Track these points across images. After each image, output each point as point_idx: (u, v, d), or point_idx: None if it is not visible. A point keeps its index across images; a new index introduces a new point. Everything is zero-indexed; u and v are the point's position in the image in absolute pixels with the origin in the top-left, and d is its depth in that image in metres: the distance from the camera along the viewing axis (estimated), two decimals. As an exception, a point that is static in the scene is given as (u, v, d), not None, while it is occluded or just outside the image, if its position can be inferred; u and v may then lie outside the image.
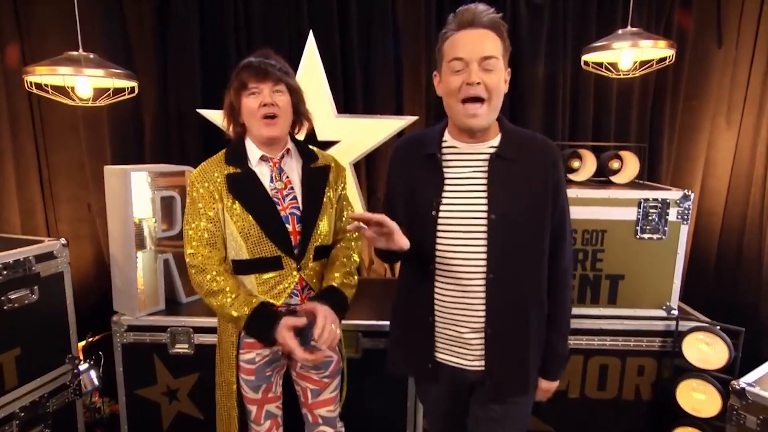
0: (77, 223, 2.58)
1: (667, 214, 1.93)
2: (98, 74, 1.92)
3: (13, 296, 1.77)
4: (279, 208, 1.41)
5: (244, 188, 1.40)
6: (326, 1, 2.46)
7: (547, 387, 1.36)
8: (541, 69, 2.51)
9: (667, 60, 2.15)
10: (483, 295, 1.22)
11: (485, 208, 1.20)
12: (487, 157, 1.22)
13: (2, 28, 2.34)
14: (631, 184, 2.16)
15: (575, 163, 2.26)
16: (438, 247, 1.24)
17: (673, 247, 1.95)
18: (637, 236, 1.95)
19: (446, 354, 1.32)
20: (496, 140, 1.24)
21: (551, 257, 1.27)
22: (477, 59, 1.14)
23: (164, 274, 2.05)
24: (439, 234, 1.23)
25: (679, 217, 1.94)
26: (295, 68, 2.30)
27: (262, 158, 1.44)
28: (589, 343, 1.98)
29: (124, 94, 2.09)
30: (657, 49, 2.06)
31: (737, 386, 1.51)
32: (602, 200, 1.94)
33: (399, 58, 2.56)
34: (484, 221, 1.20)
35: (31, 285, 1.84)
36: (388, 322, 1.90)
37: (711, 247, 2.63)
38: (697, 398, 1.88)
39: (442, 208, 1.22)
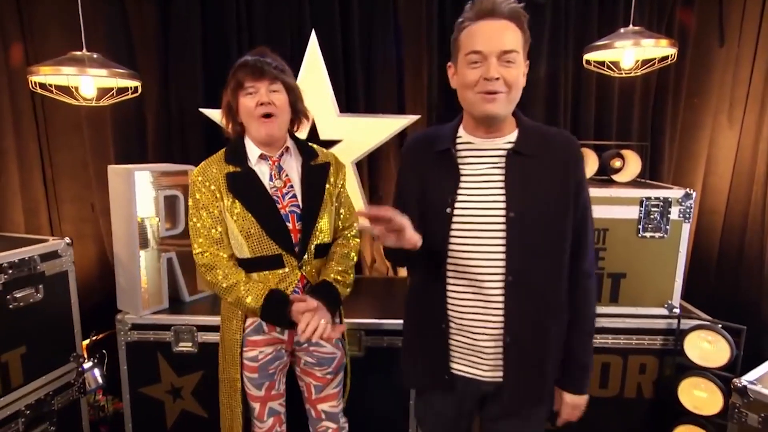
0: (80, 223, 2.59)
1: (669, 212, 1.94)
2: (102, 74, 1.92)
3: (18, 295, 1.78)
4: (279, 206, 1.41)
5: (244, 187, 1.41)
6: (328, 0, 2.47)
7: (574, 402, 1.25)
8: (543, 68, 2.51)
9: (669, 59, 2.15)
10: (501, 299, 1.15)
11: (503, 205, 1.13)
12: (504, 152, 1.16)
13: (5, 28, 2.35)
14: (633, 183, 2.16)
15: (577, 162, 2.26)
16: (452, 246, 1.16)
17: (675, 246, 1.96)
18: (639, 235, 1.96)
19: (459, 364, 1.23)
20: (513, 135, 1.18)
21: (573, 259, 1.19)
22: (496, 53, 1.07)
23: (168, 273, 2.06)
24: (453, 233, 1.16)
25: (681, 215, 1.94)
26: (297, 67, 2.32)
27: (261, 157, 1.44)
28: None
29: (128, 94, 2.10)
30: (659, 48, 2.06)
31: (739, 384, 1.52)
32: (604, 199, 1.95)
33: (400, 57, 2.56)
34: (502, 219, 1.12)
35: (36, 284, 1.85)
36: (390, 321, 1.94)
37: (713, 245, 2.63)
38: (699, 396, 1.89)
39: (457, 205, 1.15)
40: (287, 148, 1.48)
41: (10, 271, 1.75)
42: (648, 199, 1.94)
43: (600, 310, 2.02)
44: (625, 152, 2.22)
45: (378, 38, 2.53)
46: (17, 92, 2.40)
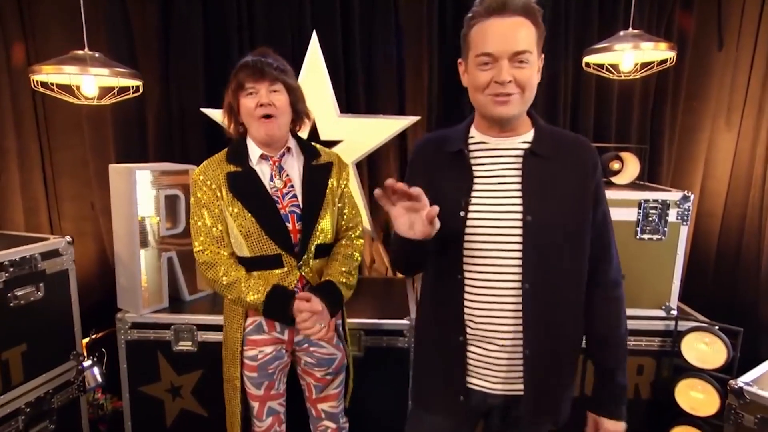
0: (80, 221, 2.60)
1: (667, 214, 1.95)
2: (103, 73, 1.93)
3: (19, 293, 1.79)
4: (279, 206, 1.42)
5: (244, 187, 1.42)
6: (329, 4, 2.47)
7: (614, 429, 1.15)
8: (542, 70, 2.52)
9: (668, 62, 2.17)
10: (517, 308, 1.08)
11: (519, 208, 1.06)
12: (520, 153, 1.10)
13: (7, 27, 2.35)
14: (632, 185, 2.18)
15: (576, 164, 2.27)
16: (466, 252, 1.10)
17: (673, 248, 1.97)
18: (638, 237, 1.97)
19: (472, 377, 1.16)
20: (528, 135, 1.12)
21: (597, 268, 1.14)
22: (508, 55, 1.01)
23: (168, 272, 2.07)
24: (467, 238, 1.09)
25: (679, 217, 1.96)
26: (298, 68, 2.32)
27: (262, 157, 1.45)
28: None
29: (129, 93, 2.11)
30: (658, 51, 2.07)
31: (735, 386, 1.53)
32: (603, 201, 1.96)
33: (401, 57, 2.57)
34: (519, 223, 1.06)
35: (37, 282, 1.86)
36: (389, 321, 1.94)
37: (710, 247, 2.64)
38: (696, 397, 1.90)
39: (471, 208, 1.09)
40: (288, 148, 1.49)
41: (11, 270, 1.76)
42: (646, 201, 1.95)
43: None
44: (624, 154, 2.23)
45: (378, 39, 2.54)
46: (18, 91, 2.41)
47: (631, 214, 1.96)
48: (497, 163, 1.12)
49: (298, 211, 1.44)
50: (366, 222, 2.32)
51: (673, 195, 1.96)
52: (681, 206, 1.95)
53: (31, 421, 1.87)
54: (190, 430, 2.04)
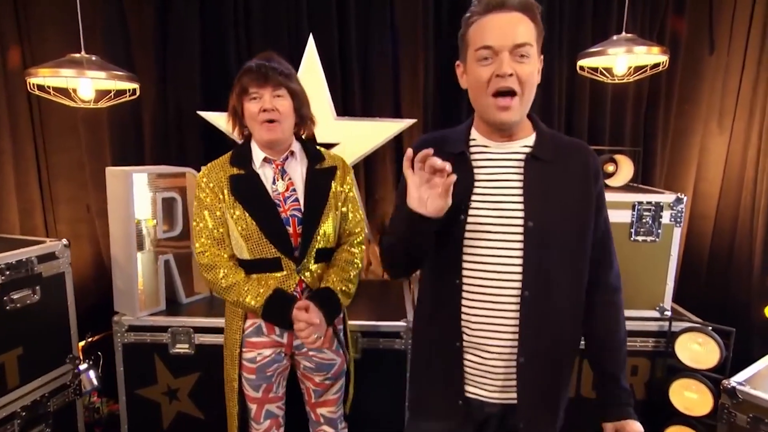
0: (76, 224, 2.59)
1: (661, 216, 1.97)
2: (100, 76, 1.93)
3: (15, 296, 1.78)
4: (280, 209, 1.42)
5: (246, 189, 1.42)
6: (325, 3, 2.49)
7: (638, 428, 1.13)
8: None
9: (661, 66, 2.19)
10: (515, 315, 1.06)
11: (521, 214, 1.05)
12: (521, 157, 1.08)
13: (2, 29, 2.35)
14: (626, 188, 2.20)
15: (571, 167, 2.29)
16: (466, 257, 1.08)
17: (667, 249, 1.99)
18: (632, 238, 1.99)
19: (470, 385, 1.14)
20: (530, 139, 1.11)
21: (598, 274, 1.13)
22: (509, 47, 0.99)
23: (165, 275, 2.07)
24: (467, 242, 1.07)
25: (672, 219, 1.98)
26: (295, 69, 2.33)
27: (265, 160, 1.46)
28: (583, 343, 2.01)
29: (126, 96, 2.11)
30: (651, 55, 2.10)
31: (728, 385, 1.55)
32: (597, 203, 1.98)
33: (397, 60, 2.58)
34: (520, 229, 1.04)
35: (33, 285, 1.85)
36: (386, 323, 1.95)
37: (703, 249, 2.67)
38: (690, 397, 1.92)
39: (471, 212, 1.07)
40: (292, 152, 1.49)
41: (8, 273, 1.76)
42: (640, 203, 1.97)
43: (593, 312, 2.05)
44: (618, 157, 2.26)
45: (375, 42, 2.55)
46: (14, 94, 2.40)
47: (625, 216, 1.98)
48: (498, 166, 1.09)
49: (300, 215, 1.44)
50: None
51: (667, 197, 1.98)
52: (674, 208, 1.97)
53: (27, 424, 1.86)
54: (186, 433, 2.04)
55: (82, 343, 2.28)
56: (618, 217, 1.98)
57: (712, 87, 2.58)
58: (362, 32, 2.55)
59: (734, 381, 1.55)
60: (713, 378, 1.86)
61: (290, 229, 1.43)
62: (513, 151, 1.10)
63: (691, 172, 2.67)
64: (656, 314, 2.04)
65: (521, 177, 1.07)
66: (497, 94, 1.01)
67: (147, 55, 2.49)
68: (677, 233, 1.98)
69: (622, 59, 2.14)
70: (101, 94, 2.09)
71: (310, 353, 1.51)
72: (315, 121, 1.55)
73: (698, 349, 1.92)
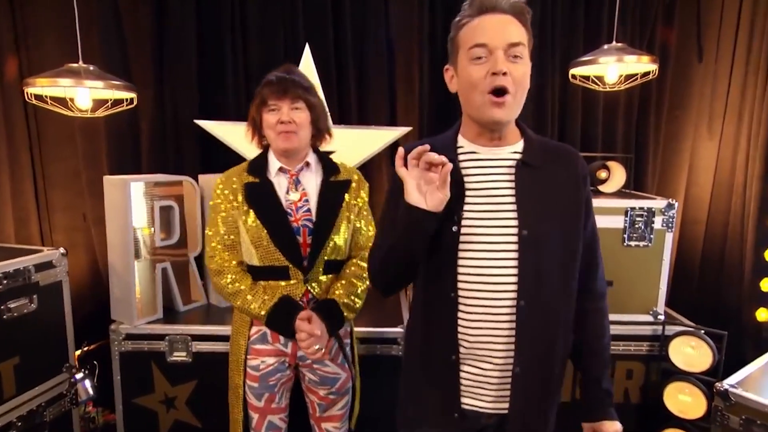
0: (72, 233, 2.58)
1: (653, 222, 2.00)
2: (98, 86, 1.95)
3: (12, 305, 1.78)
4: (291, 219, 1.44)
5: (259, 197, 1.45)
6: (321, 14, 2.52)
7: (615, 428, 1.15)
8: (530, 82, 2.58)
9: (651, 74, 2.24)
10: (511, 325, 1.04)
11: (515, 222, 1.03)
12: (511, 163, 1.07)
13: (0, 38, 2.36)
14: (618, 194, 2.23)
15: (564, 173, 2.32)
16: (461, 269, 1.05)
17: (659, 254, 2.02)
18: (625, 244, 2.02)
19: (466, 397, 1.12)
20: (518, 145, 1.09)
21: (587, 281, 1.13)
22: (503, 46, 0.98)
23: (162, 283, 2.07)
24: (461, 253, 1.04)
25: (664, 225, 2.01)
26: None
27: (281, 170, 1.48)
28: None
29: (123, 105, 2.12)
30: (641, 64, 2.14)
31: (721, 388, 1.57)
32: (590, 209, 2.01)
33: (392, 68, 2.61)
34: (514, 238, 1.03)
35: (31, 294, 1.85)
36: (382, 329, 1.96)
37: (695, 253, 2.70)
38: (684, 400, 1.94)
39: (464, 222, 1.04)
40: (308, 163, 1.51)
41: (5, 282, 1.76)
42: (632, 209, 2.00)
43: (588, 317, 2.07)
44: (611, 164, 2.29)
45: (370, 50, 2.58)
46: (10, 103, 2.40)
47: (618, 222, 2.01)
48: (489, 174, 1.07)
49: (311, 225, 1.46)
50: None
51: (658, 203, 2.01)
52: (666, 214, 2.00)
53: (23, 434, 1.85)
54: (184, 442, 2.04)
55: (78, 352, 2.27)
56: (611, 222, 2.01)
57: (702, 93, 2.63)
58: (358, 41, 2.58)
59: (727, 384, 1.57)
60: (706, 381, 1.88)
61: (300, 239, 1.45)
62: (502, 158, 1.08)
63: (682, 178, 2.71)
64: (650, 318, 2.06)
65: (513, 184, 1.05)
66: (492, 92, 0.99)
67: (144, 64, 2.50)
68: (669, 238, 2.01)
69: (613, 68, 2.18)
70: (99, 104, 2.10)
71: (315, 366, 1.52)
72: (332, 134, 1.57)
73: (691, 352, 1.94)
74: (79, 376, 2.11)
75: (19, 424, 1.83)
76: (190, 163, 2.52)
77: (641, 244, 2.01)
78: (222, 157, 2.40)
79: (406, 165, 1.00)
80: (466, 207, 1.05)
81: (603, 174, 2.28)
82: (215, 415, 1.98)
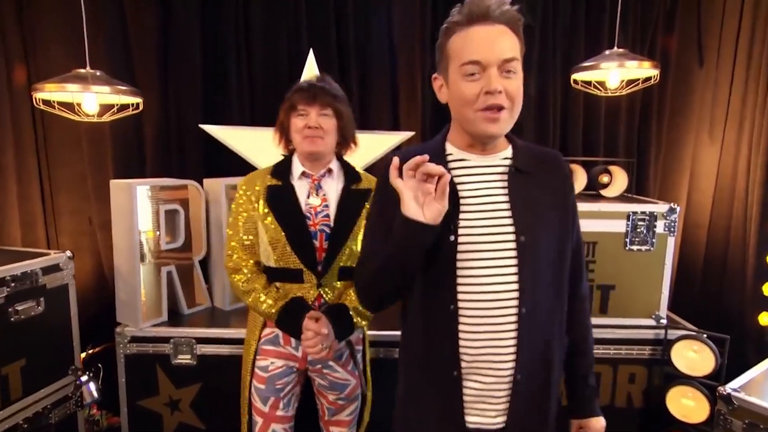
0: (77, 236, 2.60)
1: (655, 226, 2.01)
2: (105, 91, 1.97)
3: (19, 308, 1.80)
4: (309, 222, 1.46)
5: (279, 199, 1.48)
6: (324, 18, 2.55)
7: (601, 425, 1.18)
8: (532, 87, 2.61)
9: (652, 79, 2.25)
10: (514, 334, 1.02)
11: (512, 229, 1.01)
12: (503, 169, 1.05)
13: (8, 44, 2.38)
14: (620, 198, 2.24)
15: (566, 178, 2.34)
16: (460, 280, 1.02)
17: (661, 258, 2.03)
18: (627, 248, 2.03)
19: (470, 414, 1.07)
20: (507, 151, 1.08)
21: (575, 283, 1.13)
22: (497, 63, 0.95)
23: (167, 286, 2.08)
24: (460, 263, 1.01)
25: (666, 229, 2.02)
26: (295, 83, 2.38)
27: (303, 174, 1.50)
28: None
29: (129, 110, 2.14)
30: (642, 70, 2.16)
31: (724, 392, 1.57)
32: (593, 213, 2.02)
33: (395, 72, 2.63)
34: (512, 245, 1.01)
35: (38, 297, 1.87)
36: (385, 332, 1.96)
37: (698, 258, 2.71)
38: (687, 405, 1.94)
39: (461, 231, 1.01)
40: (330, 170, 1.52)
41: (13, 284, 1.78)
42: (634, 213, 2.01)
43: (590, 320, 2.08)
44: (613, 168, 2.30)
45: (373, 55, 2.61)
46: (18, 108, 2.43)
47: (620, 226, 2.02)
48: (481, 181, 1.05)
49: (328, 230, 1.47)
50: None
51: (660, 207, 2.02)
52: (668, 218, 2.01)
53: (29, 436, 1.86)
54: (188, 444, 2.05)
55: (83, 355, 2.29)
56: (613, 226, 2.02)
57: (703, 99, 2.65)
58: (360, 45, 2.61)
59: (729, 388, 1.57)
60: (709, 385, 1.88)
61: (317, 243, 1.46)
62: (494, 164, 1.06)
63: (684, 182, 2.72)
64: (652, 322, 2.06)
65: (506, 190, 1.04)
66: (486, 108, 0.98)
67: (149, 69, 2.53)
68: (671, 242, 2.02)
69: (615, 73, 2.20)
70: (105, 108, 2.13)
71: (324, 371, 1.54)
72: (357, 143, 1.59)
73: (694, 356, 1.95)
74: (84, 378, 2.12)
75: (26, 426, 1.84)
76: (195, 167, 2.55)
77: (643, 248, 2.02)
78: (226, 161, 2.42)
79: (401, 175, 0.95)
80: (461, 215, 1.03)
81: (605, 178, 2.29)
82: (220, 418, 1.99)
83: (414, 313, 1.10)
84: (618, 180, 2.28)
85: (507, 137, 1.11)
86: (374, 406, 1.92)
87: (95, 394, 2.16)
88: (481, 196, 1.04)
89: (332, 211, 1.49)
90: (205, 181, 2.25)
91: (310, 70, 2.37)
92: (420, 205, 0.94)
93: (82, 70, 1.98)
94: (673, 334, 2.00)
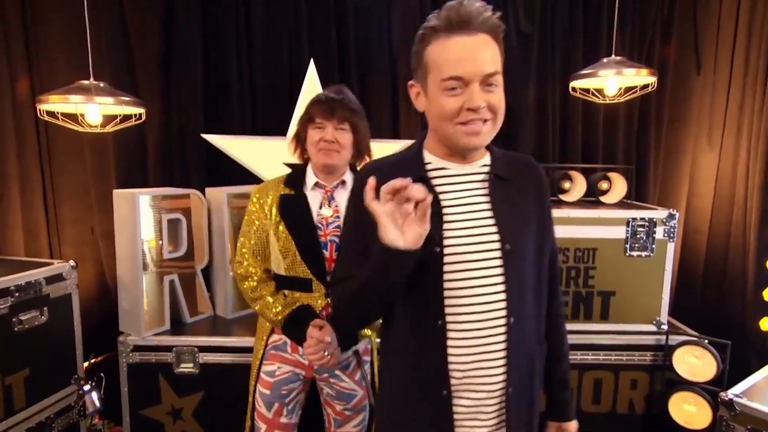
0: (80, 246, 2.62)
1: (654, 232, 2.02)
2: (108, 102, 1.99)
3: (23, 317, 1.81)
4: (320, 233, 1.47)
5: (292, 209, 1.49)
6: (325, 28, 2.57)
7: (574, 428, 1.19)
8: (531, 94, 2.63)
9: (650, 86, 2.27)
10: (503, 345, 0.99)
11: (497, 237, 0.98)
12: (483, 177, 1.02)
13: (12, 55, 2.41)
14: (620, 204, 2.25)
15: (566, 184, 2.35)
16: (447, 293, 0.97)
17: (661, 264, 2.04)
18: (627, 254, 2.04)
19: None
20: (486, 158, 1.05)
21: (552, 288, 1.12)
22: (480, 78, 0.91)
23: (169, 295, 2.09)
24: (447, 275, 0.97)
25: (666, 235, 2.03)
26: (296, 92, 2.41)
27: (317, 185, 1.51)
28: (583, 358, 2.05)
29: (132, 120, 2.16)
30: (640, 77, 2.18)
31: (725, 398, 1.57)
32: (592, 220, 2.03)
33: (395, 81, 2.65)
34: (498, 253, 0.98)
35: (41, 306, 1.88)
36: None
37: (698, 263, 2.71)
38: (689, 410, 1.94)
39: (446, 242, 0.97)
40: (343, 182, 1.53)
41: (17, 294, 1.79)
42: (634, 219, 2.03)
43: (591, 327, 2.08)
44: (612, 175, 2.31)
45: (373, 64, 2.63)
46: (22, 119, 2.45)
47: (619, 232, 2.03)
48: (462, 189, 1.02)
49: (338, 241, 1.48)
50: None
51: (660, 213, 2.03)
52: (667, 224, 2.02)
53: (32, 446, 1.87)
54: (190, 453, 2.05)
55: (85, 364, 2.29)
56: (613, 233, 2.03)
57: (701, 105, 2.66)
58: (361, 55, 2.63)
59: (731, 393, 1.58)
60: (711, 391, 1.88)
61: (327, 254, 1.48)
62: (474, 172, 1.03)
63: (683, 188, 2.73)
64: (653, 328, 2.07)
65: (488, 198, 1.01)
66: (467, 122, 0.94)
67: (151, 79, 2.55)
68: (671, 248, 2.03)
69: (613, 80, 2.21)
70: (108, 119, 2.14)
71: (331, 380, 1.54)
72: (372, 155, 1.60)
73: (695, 362, 1.95)
74: (86, 387, 2.13)
75: (28, 436, 1.85)
76: (197, 176, 2.56)
77: (643, 254, 2.03)
78: (228, 170, 2.44)
79: (378, 193, 0.88)
80: (445, 225, 0.99)
81: (604, 185, 2.30)
82: (222, 427, 1.99)
83: (397, 329, 1.04)
84: (617, 186, 2.29)
85: None
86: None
87: (97, 403, 2.16)
88: (463, 205, 1.01)
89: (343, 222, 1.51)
90: (208, 190, 2.27)
91: (311, 79, 2.40)
92: (399, 226, 0.87)
93: (86, 82, 1.99)
94: (674, 339, 2.00)
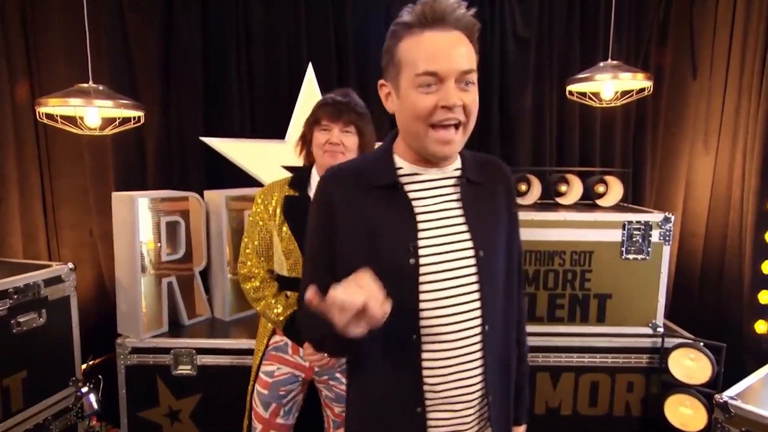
0: (79, 248, 2.62)
1: (650, 235, 2.03)
2: (107, 105, 2.00)
3: (21, 320, 1.81)
4: None
5: (295, 210, 1.50)
6: (323, 32, 2.58)
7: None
8: (528, 98, 2.64)
9: (646, 90, 2.29)
10: (479, 355, 0.95)
11: (470, 244, 0.95)
12: (454, 181, 0.98)
13: (12, 58, 2.42)
14: (616, 207, 2.26)
15: (563, 188, 2.37)
16: (423, 305, 0.92)
17: (657, 267, 2.05)
18: (623, 257, 2.05)
19: None
20: (457, 162, 1.01)
21: (518, 294, 1.09)
22: (455, 75, 0.87)
23: (168, 297, 2.10)
24: (423, 287, 0.92)
25: (662, 238, 2.04)
26: (295, 97, 2.42)
27: None
28: (580, 361, 2.06)
29: (131, 123, 2.17)
30: (636, 81, 2.19)
31: (720, 400, 1.58)
32: (589, 223, 2.04)
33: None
34: (473, 260, 0.94)
35: (39, 309, 1.89)
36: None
37: (695, 266, 2.73)
38: (685, 413, 1.95)
39: (421, 252, 0.92)
40: None
41: (16, 296, 1.79)
42: (630, 222, 2.04)
43: (587, 329, 2.09)
44: (608, 178, 2.33)
45: (371, 67, 2.64)
46: (21, 122, 2.46)
47: (616, 235, 2.04)
48: (435, 195, 0.97)
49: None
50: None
51: (655, 216, 2.04)
52: (663, 227, 2.04)
53: (30, 448, 1.87)
54: (188, 455, 2.05)
55: (83, 366, 2.29)
56: (609, 236, 2.04)
57: (697, 109, 2.68)
58: (360, 58, 2.64)
59: (726, 396, 1.59)
60: (706, 393, 1.89)
61: None
62: (446, 176, 0.99)
63: (680, 192, 2.75)
64: (649, 331, 2.08)
65: (460, 204, 0.97)
66: (440, 125, 0.89)
67: (150, 82, 2.56)
68: (666, 251, 2.04)
69: (609, 85, 2.23)
70: (107, 122, 2.15)
71: (331, 382, 1.55)
72: None
73: (691, 364, 1.96)
74: (84, 389, 2.13)
75: (26, 438, 1.85)
76: (196, 179, 2.57)
77: (639, 257, 2.04)
78: (227, 173, 2.45)
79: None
80: (420, 234, 0.93)
81: (601, 188, 2.32)
82: (219, 429, 1.99)
83: (366, 344, 0.89)
84: (614, 190, 2.30)
85: None
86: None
87: (95, 405, 2.17)
88: (437, 211, 0.96)
89: None
90: (206, 192, 2.27)
91: (310, 82, 2.41)
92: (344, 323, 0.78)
93: (85, 85, 2.01)
94: (670, 342, 2.01)
